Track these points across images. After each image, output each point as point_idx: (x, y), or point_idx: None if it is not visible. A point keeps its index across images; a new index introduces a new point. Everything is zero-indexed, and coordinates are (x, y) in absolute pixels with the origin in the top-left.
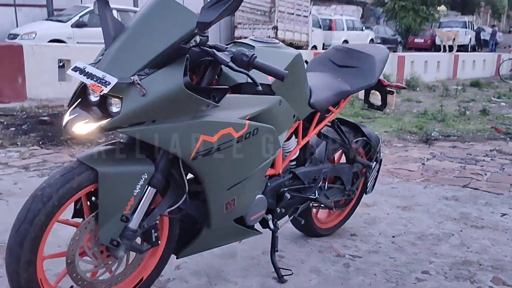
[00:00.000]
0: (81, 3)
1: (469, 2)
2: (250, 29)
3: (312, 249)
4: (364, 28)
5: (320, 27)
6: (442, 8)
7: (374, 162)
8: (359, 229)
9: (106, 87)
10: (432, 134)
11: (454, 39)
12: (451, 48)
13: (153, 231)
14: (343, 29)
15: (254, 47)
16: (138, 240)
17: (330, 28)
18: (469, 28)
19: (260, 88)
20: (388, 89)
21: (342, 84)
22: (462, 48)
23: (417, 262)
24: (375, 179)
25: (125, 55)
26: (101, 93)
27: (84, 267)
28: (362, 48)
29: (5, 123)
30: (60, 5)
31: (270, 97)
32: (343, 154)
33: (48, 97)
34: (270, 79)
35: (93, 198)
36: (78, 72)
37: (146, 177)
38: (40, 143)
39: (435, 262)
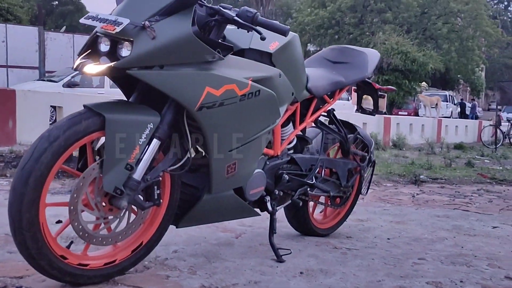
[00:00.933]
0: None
1: (449, 79)
2: None
3: (308, 243)
4: (349, 98)
5: None
6: (424, 84)
7: (369, 163)
8: (354, 233)
9: (118, 26)
10: (421, 177)
11: (436, 104)
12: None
13: (155, 187)
14: None
15: None
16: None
17: None
18: (450, 102)
19: (264, 36)
20: (379, 92)
21: (337, 76)
22: None
23: (413, 253)
24: (369, 181)
25: (137, 3)
26: (114, 32)
27: (86, 218)
28: (355, 48)
29: None
30: (52, 68)
31: (271, 68)
32: (339, 150)
33: None
34: (271, 48)
35: (97, 157)
36: (91, 19)
37: (152, 127)
38: None
39: (431, 253)
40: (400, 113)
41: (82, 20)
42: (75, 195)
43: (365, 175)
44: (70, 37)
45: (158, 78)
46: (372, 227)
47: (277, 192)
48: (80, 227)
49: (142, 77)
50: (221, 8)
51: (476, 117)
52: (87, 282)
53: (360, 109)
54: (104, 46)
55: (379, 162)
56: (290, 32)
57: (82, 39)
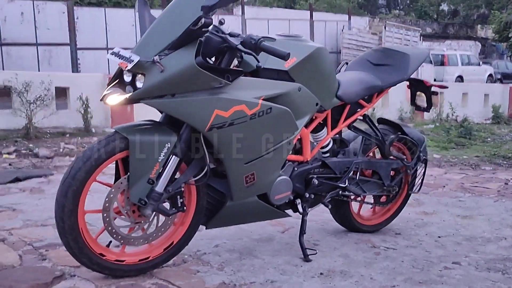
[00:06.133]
0: None
1: None
2: None
3: (348, 241)
4: (481, 63)
5: (431, 62)
6: None
7: (418, 161)
8: (405, 230)
9: (130, 63)
10: None
11: None
12: None
13: (178, 197)
14: (457, 64)
15: (275, 39)
16: (167, 206)
17: (442, 63)
18: None
19: (260, 64)
20: (432, 90)
21: (373, 79)
22: None
23: (452, 256)
24: (422, 180)
25: (150, 40)
26: (126, 69)
27: (120, 224)
28: (400, 48)
29: None
30: None
31: (288, 83)
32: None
33: None
34: (286, 66)
35: None
36: (113, 55)
37: (170, 146)
38: None
39: (472, 257)
40: None
41: (107, 56)
42: (106, 204)
43: (418, 172)
44: None
45: (169, 105)
46: (430, 222)
47: (307, 195)
48: (114, 231)
49: (154, 106)
50: (227, 36)
51: None
52: (123, 275)
53: (414, 106)
54: (127, 77)
55: (492, 139)
56: (315, 45)
57: None
